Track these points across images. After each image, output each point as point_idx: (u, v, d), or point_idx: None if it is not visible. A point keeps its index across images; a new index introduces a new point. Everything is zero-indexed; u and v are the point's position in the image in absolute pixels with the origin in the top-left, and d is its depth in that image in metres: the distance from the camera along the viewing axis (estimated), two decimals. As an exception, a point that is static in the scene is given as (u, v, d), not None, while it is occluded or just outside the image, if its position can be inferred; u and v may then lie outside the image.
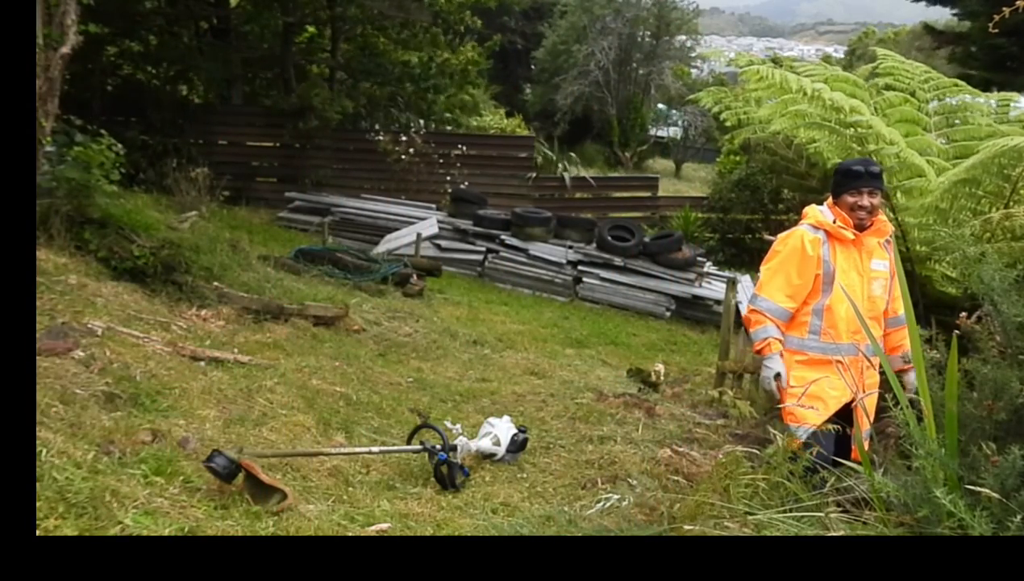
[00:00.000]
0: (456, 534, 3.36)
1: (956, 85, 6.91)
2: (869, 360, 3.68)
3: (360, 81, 17.12)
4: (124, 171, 6.79)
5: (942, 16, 20.58)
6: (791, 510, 2.74)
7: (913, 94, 6.65)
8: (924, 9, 19.51)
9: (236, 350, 5.37)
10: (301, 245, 10.31)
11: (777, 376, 3.70)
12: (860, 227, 3.70)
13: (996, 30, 5.12)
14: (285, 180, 15.62)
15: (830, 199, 3.83)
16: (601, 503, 3.76)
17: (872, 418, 3.63)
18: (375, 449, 4.13)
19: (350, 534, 3.15)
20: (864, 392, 3.58)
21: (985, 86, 7.18)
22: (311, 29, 18.19)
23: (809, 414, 3.59)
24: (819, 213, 3.79)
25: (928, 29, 20.36)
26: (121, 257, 6.05)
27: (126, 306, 5.43)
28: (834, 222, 3.72)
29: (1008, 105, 6.93)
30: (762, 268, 3.89)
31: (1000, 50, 16.37)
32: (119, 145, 6.48)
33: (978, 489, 2.27)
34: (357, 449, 4.16)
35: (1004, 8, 4.30)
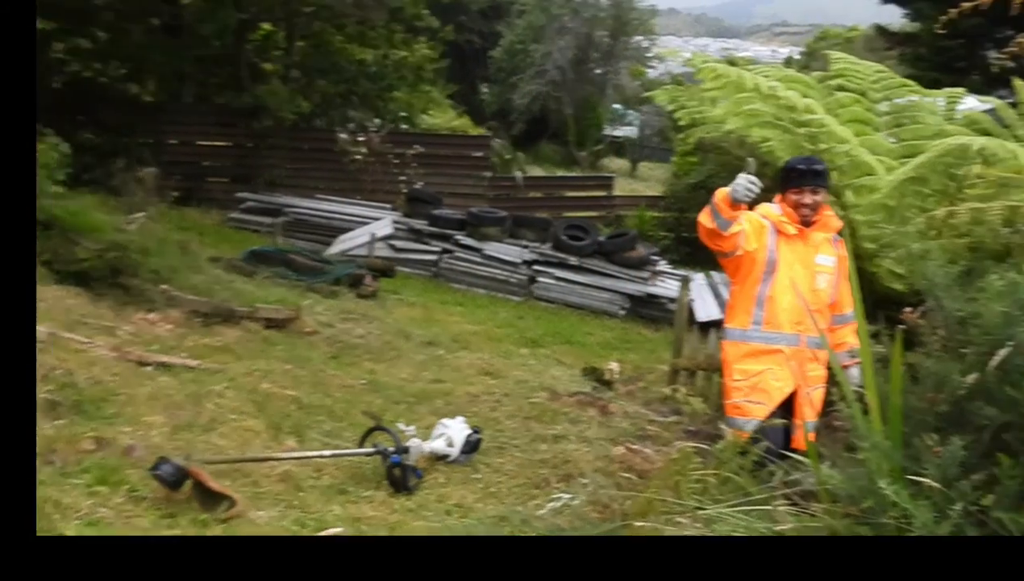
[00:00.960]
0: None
1: (905, 85, 7.02)
2: (815, 354, 3.75)
3: (315, 79, 16.91)
4: (70, 171, 6.63)
5: (893, 17, 20.89)
6: (740, 504, 2.75)
7: (864, 94, 6.75)
8: (877, 10, 19.74)
9: (184, 354, 5.28)
10: (253, 246, 10.15)
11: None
12: (806, 223, 3.82)
13: (943, 31, 5.22)
14: (238, 180, 15.33)
15: (779, 195, 3.94)
16: (554, 502, 3.76)
17: (819, 411, 3.69)
18: (327, 453, 4.08)
19: (300, 539, 3.11)
20: (807, 383, 3.66)
21: (934, 86, 7.29)
22: (266, 27, 17.93)
23: (755, 408, 3.67)
24: (768, 207, 3.93)
25: (880, 31, 20.64)
26: (65, 260, 5.90)
27: (70, 311, 5.30)
28: (780, 216, 3.83)
29: (955, 103, 7.04)
30: None
31: (948, 52, 16.66)
32: (65, 144, 6.32)
33: (920, 479, 2.31)
34: (308, 453, 4.11)
35: (950, 9, 4.38)
